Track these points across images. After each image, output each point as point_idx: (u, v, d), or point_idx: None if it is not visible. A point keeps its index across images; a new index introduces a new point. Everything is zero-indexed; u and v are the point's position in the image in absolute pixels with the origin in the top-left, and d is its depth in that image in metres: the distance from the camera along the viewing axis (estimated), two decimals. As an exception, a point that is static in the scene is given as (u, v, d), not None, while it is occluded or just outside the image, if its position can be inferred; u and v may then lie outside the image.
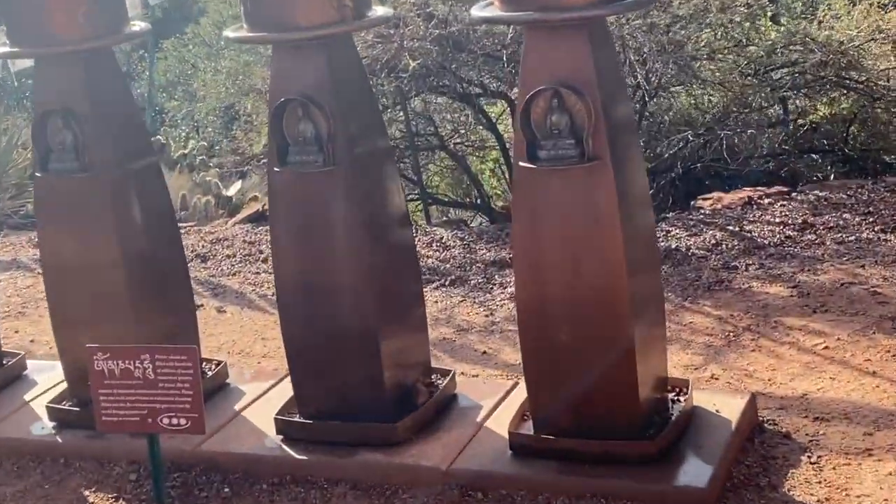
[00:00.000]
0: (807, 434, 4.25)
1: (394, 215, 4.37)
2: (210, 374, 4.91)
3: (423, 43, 7.00)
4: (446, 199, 9.76)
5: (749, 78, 7.92)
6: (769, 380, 4.75)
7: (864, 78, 8.28)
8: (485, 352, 5.44)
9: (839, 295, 5.52)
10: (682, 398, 4.26)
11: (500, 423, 4.31)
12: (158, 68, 16.26)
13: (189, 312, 4.91)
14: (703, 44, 7.56)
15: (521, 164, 3.88)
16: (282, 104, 4.09)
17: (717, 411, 4.24)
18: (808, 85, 8.30)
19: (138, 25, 4.61)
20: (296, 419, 4.44)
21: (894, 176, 7.77)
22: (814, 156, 8.93)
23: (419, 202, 8.92)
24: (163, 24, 17.34)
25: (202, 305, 6.28)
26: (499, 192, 10.54)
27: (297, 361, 4.45)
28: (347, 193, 4.16)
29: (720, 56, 7.79)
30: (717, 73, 7.70)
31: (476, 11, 3.90)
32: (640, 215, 3.99)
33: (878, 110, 8.63)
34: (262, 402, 4.76)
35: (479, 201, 9.58)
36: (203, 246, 7.24)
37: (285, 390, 4.65)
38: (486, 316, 5.84)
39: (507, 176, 9.26)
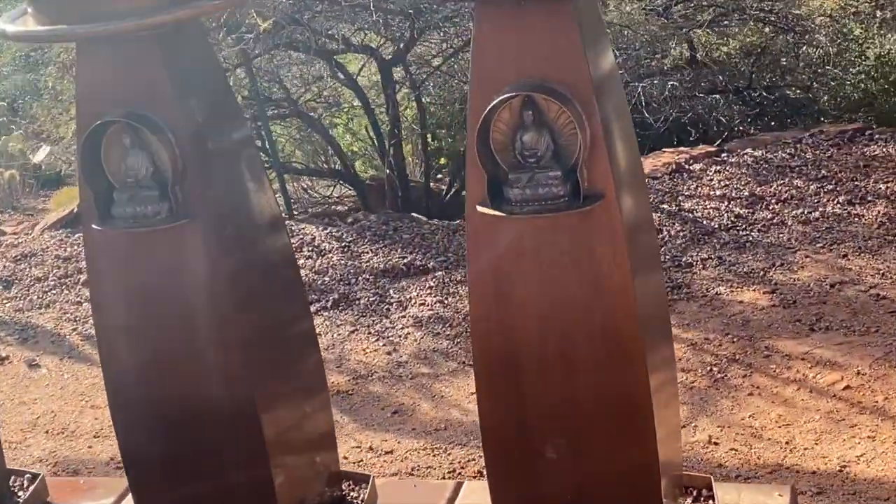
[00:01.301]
0: (870, 538, 3.14)
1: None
2: (23, 495, 3.47)
3: (272, -6, 5.52)
4: (302, 168, 8.37)
5: (658, 18, 6.72)
6: (787, 443, 3.60)
7: (779, 7, 7.22)
8: (396, 411, 4.14)
9: (833, 302, 4.40)
10: (702, 505, 3.06)
11: (450, 558, 3.04)
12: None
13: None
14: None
15: (479, 209, 2.54)
16: (97, 129, 2.63)
17: (754, 521, 3.05)
18: (718, 19, 7.18)
19: None
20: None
21: (829, 123, 6.77)
22: (716, 96, 7.91)
23: (271, 170, 7.50)
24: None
25: (7, 358, 4.78)
26: (356, 151, 9.24)
27: (142, 488, 3.07)
28: (208, 253, 2.76)
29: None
30: (626, 14, 6.45)
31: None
32: (653, 271, 2.73)
33: (787, 43, 7.64)
34: (101, 538, 3.36)
35: (337, 166, 8.25)
36: (4, 266, 5.64)
37: (133, 513, 3.26)
38: (388, 353, 4.52)
39: (370, 134, 7.97)
